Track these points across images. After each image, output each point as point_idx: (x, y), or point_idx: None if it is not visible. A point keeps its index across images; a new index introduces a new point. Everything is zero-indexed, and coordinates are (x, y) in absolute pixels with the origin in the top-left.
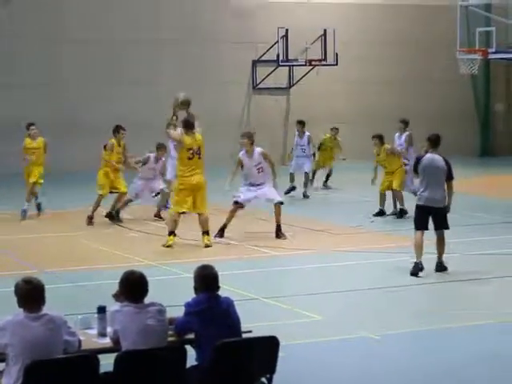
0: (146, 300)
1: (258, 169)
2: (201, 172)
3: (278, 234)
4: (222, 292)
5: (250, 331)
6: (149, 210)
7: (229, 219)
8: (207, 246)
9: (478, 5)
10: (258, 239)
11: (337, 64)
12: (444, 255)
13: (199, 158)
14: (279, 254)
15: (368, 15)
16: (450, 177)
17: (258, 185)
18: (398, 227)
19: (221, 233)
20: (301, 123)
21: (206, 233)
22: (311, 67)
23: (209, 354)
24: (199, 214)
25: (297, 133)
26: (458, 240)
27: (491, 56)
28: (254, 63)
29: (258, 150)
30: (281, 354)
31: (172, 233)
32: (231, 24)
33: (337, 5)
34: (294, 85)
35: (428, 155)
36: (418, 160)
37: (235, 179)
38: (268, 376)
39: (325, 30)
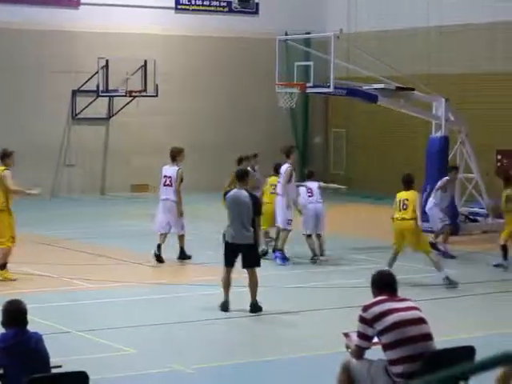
0: None
1: None
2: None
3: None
4: (35, 325)
5: (59, 366)
6: None
7: None
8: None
9: (298, 39)
10: (74, 272)
11: (157, 95)
12: (259, 289)
13: None
14: (95, 286)
15: (189, 47)
16: (256, 212)
17: None
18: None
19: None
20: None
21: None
22: (131, 98)
23: None
24: None
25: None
26: (275, 273)
27: (309, 90)
28: (74, 93)
29: None
30: None
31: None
32: (51, 53)
33: (158, 36)
34: (113, 115)
35: (233, 191)
36: (225, 196)
37: None
38: None
39: (145, 61)
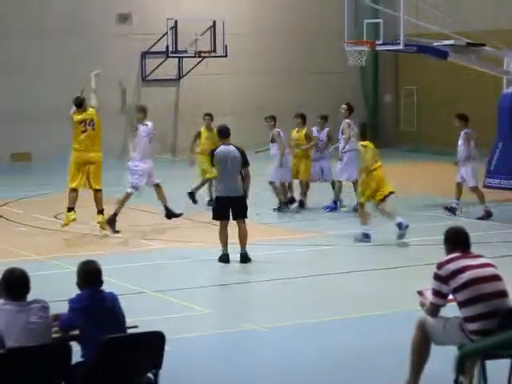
0: (31, 296)
1: None
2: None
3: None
4: (110, 286)
5: (135, 326)
6: (38, 204)
7: None
8: (100, 224)
9: None
10: (145, 232)
11: (226, 56)
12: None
13: (93, 129)
14: (166, 246)
15: (257, 6)
16: (245, 164)
17: None
18: (286, 219)
19: None
20: None
21: (100, 212)
22: (200, 59)
23: (94, 350)
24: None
25: None
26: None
27: (379, 48)
28: (143, 55)
29: None
30: (167, 348)
31: (71, 209)
32: (119, 15)
33: None
34: (183, 76)
35: (222, 147)
36: (213, 153)
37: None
38: (154, 371)
39: (214, 22)
